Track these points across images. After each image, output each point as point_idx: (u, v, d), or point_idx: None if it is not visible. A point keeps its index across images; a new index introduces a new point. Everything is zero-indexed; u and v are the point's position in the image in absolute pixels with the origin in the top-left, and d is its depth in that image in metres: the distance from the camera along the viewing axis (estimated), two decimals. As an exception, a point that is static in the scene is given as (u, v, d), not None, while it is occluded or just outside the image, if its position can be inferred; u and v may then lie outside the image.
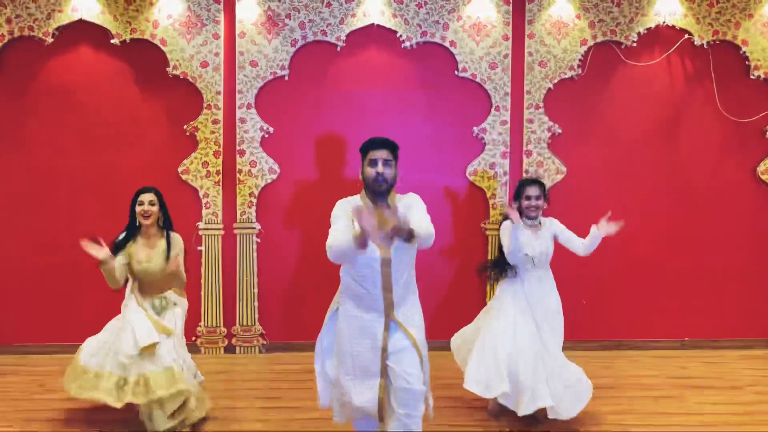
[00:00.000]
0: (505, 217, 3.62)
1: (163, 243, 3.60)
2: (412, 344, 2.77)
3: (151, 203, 3.56)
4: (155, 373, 3.27)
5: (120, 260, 3.48)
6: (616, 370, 4.60)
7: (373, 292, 2.77)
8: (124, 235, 3.60)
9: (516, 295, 3.59)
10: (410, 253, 2.85)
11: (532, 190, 3.59)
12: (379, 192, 2.83)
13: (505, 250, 3.52)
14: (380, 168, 2.80)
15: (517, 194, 3.67)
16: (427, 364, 2.85)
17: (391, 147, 2.87)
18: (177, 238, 3.64)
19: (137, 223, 3.59)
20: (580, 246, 3.67)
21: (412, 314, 2.85)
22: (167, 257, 3.53)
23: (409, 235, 2.51)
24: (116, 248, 3.52)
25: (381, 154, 2.82)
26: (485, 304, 4.22)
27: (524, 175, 4.97)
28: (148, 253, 3.56)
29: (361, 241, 2.49)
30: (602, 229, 3.60)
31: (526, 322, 3.52)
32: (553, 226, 3.72)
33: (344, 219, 2.77)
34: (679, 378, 4.42)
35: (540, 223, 3.69)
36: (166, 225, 3.66)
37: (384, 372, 2.76)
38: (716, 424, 3.60)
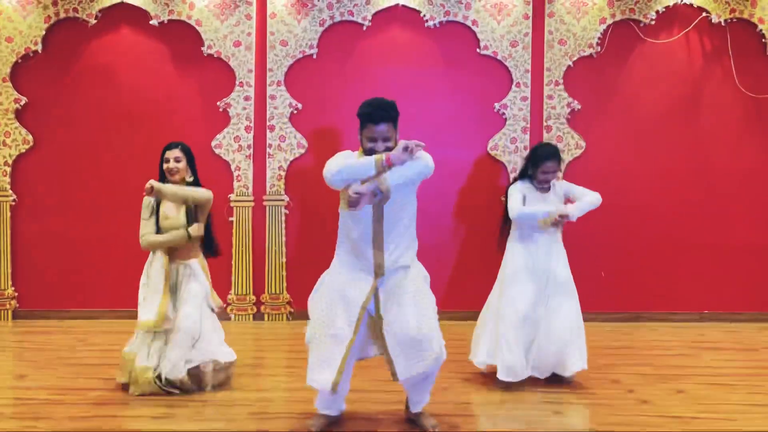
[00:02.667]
0: (514, 180, 3.72)
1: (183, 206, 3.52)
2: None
3: (177, 160, 3.49)
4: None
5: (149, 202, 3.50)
6: (635, 336, 4.71)
7: (365, 249, 2.77)
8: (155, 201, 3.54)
9: (525, 259, 3.60)
10: (405, 207, 2.81)
11: (550, 166, 3.55)
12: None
13: (511, 213, 3.54)
14: (379, 145, 2.74)
15: (534, 163, 3.60)
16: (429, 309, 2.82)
17: (393, 119, 2.77)
18: (202, 190, 3.51)
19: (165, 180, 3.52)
20: (591, 197, 3.63)
21: (404, 283, 2.81)
22: (194, 215, 3.50)
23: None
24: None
25: (380, 130, 2.73)
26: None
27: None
28: (175, 209, 3.50)
29: (387, 164, 2.58)
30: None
31: (533, 289, 3.54)
32: (563, 188, 3.71)
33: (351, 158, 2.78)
34: (696, 341, 4.52)
35: (549, 187, 3.68)
36: (194, 182, 3.57)
37: (357, 329, 2.77)
38: (730, 375, 3.70)
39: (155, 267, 3.45)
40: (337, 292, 2.82)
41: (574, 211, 3.54)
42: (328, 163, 2.76)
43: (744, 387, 3.47)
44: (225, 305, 5.08)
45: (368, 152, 2.77)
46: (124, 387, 3.40)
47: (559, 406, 3.22)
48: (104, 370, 3.73)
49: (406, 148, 2.62)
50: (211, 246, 3.67)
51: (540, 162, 3.57)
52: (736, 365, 3.92)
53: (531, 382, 3.53)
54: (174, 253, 3.50)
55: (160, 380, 3.32)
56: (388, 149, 2.74)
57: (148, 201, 3.50)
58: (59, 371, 3.73)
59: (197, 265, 3.54)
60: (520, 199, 3.58)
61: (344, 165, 2.69)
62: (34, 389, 3.41)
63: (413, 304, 2.75)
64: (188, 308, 3.42)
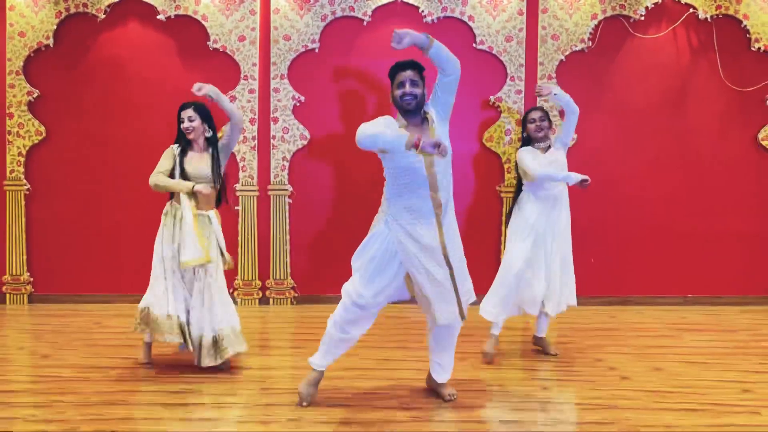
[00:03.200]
0: (525, 142, 4.02)
1: (207, 155, 3.70)
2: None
3: (191, 119, 3.64)
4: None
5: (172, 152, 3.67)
6: (621, 318, 4.98)
7: (423, 193, 2.96)
8: (178, 148, 3.71)
9: (533, 216, 3.87)
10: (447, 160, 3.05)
11: (535, 114, 3.94)
12: (408, 110, 3.00)
13: (531, 171, 3.77)
14: (407, 88, 2.97)
15: (524, 124, 4.02)
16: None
17: (418, 67, 3.04)
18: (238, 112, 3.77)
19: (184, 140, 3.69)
20: (571, 113, 3.92)
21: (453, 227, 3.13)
22: (218, 163, 3.68)
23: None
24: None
25: (407, 74, 3.00)
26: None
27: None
28: (198, 160, 3.67)
29: (415, 143, 2.76)
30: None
31: (540, 242, 3.85)
32: (558, 140, 3.97)
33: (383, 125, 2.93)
34: (678, 323, 4.79)
35: (549, 145, 3.96)
36: (213, 137, 3.72)
37: (449, 263, 3.04)
38: (707, 354, 3.97)
39: (186, 215, 3.55)
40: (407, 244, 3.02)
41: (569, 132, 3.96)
42: (365, 125, 2.92)
43: (718, 365, 3.74)
44: (231, 290, 5.32)
45: (399, 101, 3.00)
46: (146, 364, 3.65)
47: (546, 382, 3.50)
48: (122, 350, 3.99)
49: (438, 145, 2.76)
50: (219, 198, 3.80)
51: (526, 116, 3.98)
52: (714, 345, 4.19)
53: (520, 360, 3.80)
54: (195, 203, 3.64)
55: (186, 332, 3.54)
56: (416, 96, 2.98)
57: (171, 151, 3.69)
58: (80, 351, 3.98)
59: (215, 218, 3.70)
60: (533, 159, 3.85)
61: (378, 133, 2.85)
62: (58, 367, 3.66)
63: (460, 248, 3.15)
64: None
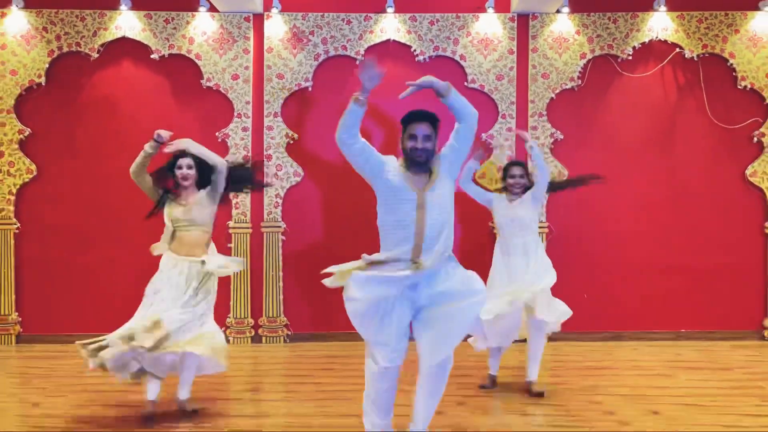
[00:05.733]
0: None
1: (199, 194, 3.70)
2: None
3: (189, 167, 3.67)
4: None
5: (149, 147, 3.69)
6: (617, 355, 4.99)
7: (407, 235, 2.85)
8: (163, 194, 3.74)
9: (505, 261, 4.13)
10: (447, 200, 2.96)
11: (516, 170, 4.15)
12: (417, 163, 2.92)
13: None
14: (419, 143, 2.88)
15: (504, 175, 4.24)
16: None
17: (433, 120, 2.94)
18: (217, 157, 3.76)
19: (175, 185, 3.70)
20: (540, 173, 4.07)
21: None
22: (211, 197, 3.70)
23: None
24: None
25: (422, 128, 2.89)
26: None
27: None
28: (184, 207, 3.65)
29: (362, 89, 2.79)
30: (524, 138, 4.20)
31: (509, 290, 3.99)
32: (529, 196, 4.12)
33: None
34: (673, 361, 4.79)
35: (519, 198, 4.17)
36: (202, 183, 3.73)
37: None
38: (703, 395, 3.97)
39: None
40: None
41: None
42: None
43: (714, 408, 3.73)
44: (224, 328, 5.27)
45: (409, 153, 2.92)
46: (145, 420, 3.54)
47: (544, 430, 3.47)
48: (114, 396, 3.93)
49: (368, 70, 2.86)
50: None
51: (507, 169, 4.19)
52: (710, 385, 4.19)
53: (517, 404, 3.80)
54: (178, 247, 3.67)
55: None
56: (427, 151, 2.90)
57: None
58: (70, 399, 3.91)
59: (212, 261, 3.68)
60: (497, 205, 4.20)
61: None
62: (51, 417, 3.59)
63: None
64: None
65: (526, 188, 4.14)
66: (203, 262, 3.62)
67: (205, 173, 3.73)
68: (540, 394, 3.94)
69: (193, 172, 3.69)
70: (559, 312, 4.04)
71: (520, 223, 4.07)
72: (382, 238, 2.97)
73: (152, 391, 3.54)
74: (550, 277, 4.04)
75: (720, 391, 4.05)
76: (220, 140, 5.36)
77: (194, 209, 3.67)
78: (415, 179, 2.93)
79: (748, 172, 5.49)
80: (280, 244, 5.40)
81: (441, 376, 3.00)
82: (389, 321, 2.88)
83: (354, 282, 2.88)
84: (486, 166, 4.56)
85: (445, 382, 3.04)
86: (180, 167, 3.69)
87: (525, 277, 4.00)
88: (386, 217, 2.93)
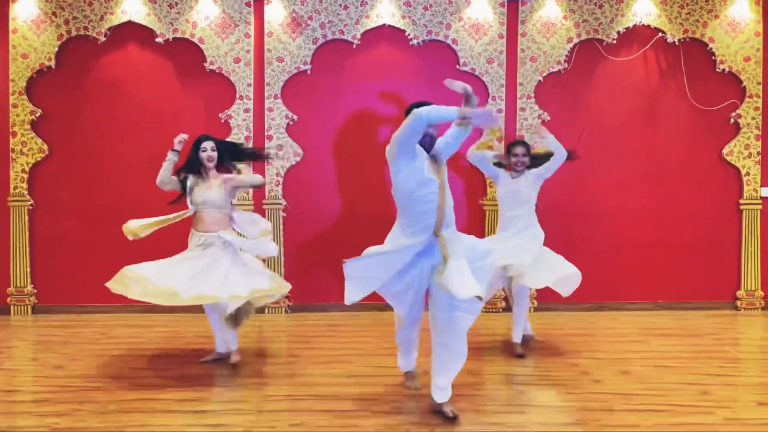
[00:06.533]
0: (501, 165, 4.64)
1: (216, 184, 4.11)
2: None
3: (213, 149, 4.14)
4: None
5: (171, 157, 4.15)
6: (597, 324, 5.35)
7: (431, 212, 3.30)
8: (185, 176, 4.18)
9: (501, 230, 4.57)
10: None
11: (519, 149, 4.53)
12: (426, 149, 3.43)
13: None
14: (427, 136, 3.40)
15: (508, 153, 4.61)
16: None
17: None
18: (257, 178, 4.43)
19: (199, 167, 4.13)
20: (556, 155, 4.44)
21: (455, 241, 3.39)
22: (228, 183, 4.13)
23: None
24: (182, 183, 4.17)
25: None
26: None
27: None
28: (206, 188, 4.08)
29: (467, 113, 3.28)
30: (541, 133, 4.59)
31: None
32: (533, 172, 4.51)
33: None
34: (648, 329, 5.15)
35: (522, 172, 4.55)
36: (220, 163, 4.20)
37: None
38: (671, 358, 4.33)
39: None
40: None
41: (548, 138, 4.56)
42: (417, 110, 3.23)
43: (681, 368, 4.09)
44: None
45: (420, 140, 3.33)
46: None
47: (526, 387, 3.83)
48: (131, 360, 4.26)
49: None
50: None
51: (511, 148, 4.55)
52: (679, 350, 4.55)
53: (502, 367, 4.14)
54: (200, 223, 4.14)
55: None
56: (432, 137, 3.41)
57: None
58: (90, 361, 4.23)
59: (231, 236, 4.14)
60: (495, 169, 4.61)
61: (430, 110, 3.23)
62: (73, 377, 3.91)
63: None
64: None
65: (528, 167, 4.52)
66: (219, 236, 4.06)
67: (222, 156, 4.18)
68: (521, 356, 4.30)
69: (216, 153, 4.15)
70: (556, 277, 4.41)
71: (520, 197, 4.47)
72: (408, 215, 3.35)
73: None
74: (536, 245, 4.43)
75: (688, 355, 4.41)
76: (222, 121, 5.62)
77: (215, 190, 4.09)
78: (433, 165, 3.39)
79: (725, 151, 5.79)
80: (281, 220, 5.70)
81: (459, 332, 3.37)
82: (408, 277, 3.32)
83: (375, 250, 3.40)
84: (483, 143, 5.24)
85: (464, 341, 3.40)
86: (205, 150, 4.12)
87: (512, 245, 4.35)
88: (414, 196, 3.30)
